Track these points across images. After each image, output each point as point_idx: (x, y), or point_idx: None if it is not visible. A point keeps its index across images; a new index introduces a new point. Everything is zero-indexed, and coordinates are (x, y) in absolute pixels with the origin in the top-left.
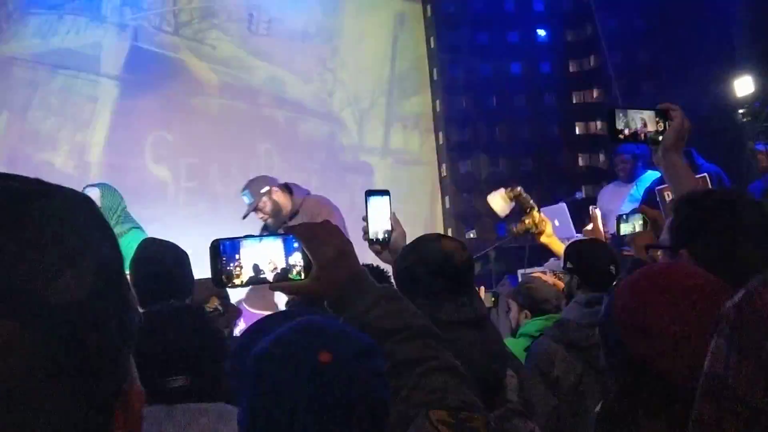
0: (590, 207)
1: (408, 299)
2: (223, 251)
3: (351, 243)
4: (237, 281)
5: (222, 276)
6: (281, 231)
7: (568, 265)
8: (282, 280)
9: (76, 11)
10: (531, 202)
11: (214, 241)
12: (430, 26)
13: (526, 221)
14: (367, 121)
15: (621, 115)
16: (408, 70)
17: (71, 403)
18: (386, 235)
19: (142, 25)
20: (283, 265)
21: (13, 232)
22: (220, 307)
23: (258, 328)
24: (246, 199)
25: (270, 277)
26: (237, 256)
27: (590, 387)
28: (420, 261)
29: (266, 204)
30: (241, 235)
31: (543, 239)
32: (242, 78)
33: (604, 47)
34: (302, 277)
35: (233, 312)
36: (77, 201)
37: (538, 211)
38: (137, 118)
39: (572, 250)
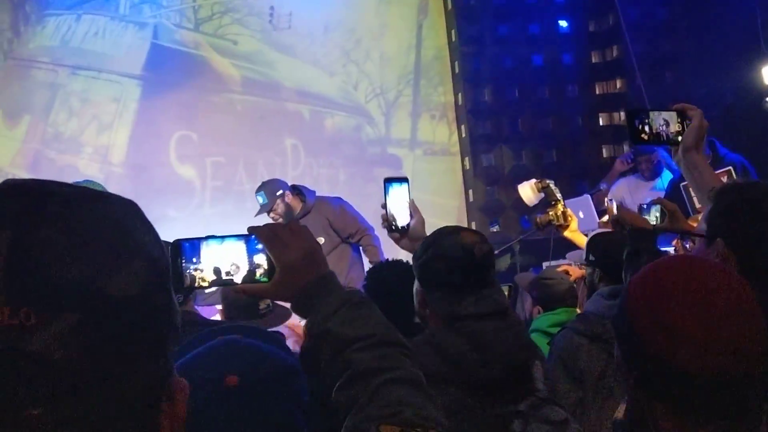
0: (606, 200)
1: (427, 292)
2: (183, 252)
3: (319, 246)
4: (199, 283)
5: (182, 278)
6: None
7: (590, 257)
8: (248, 281)
9: (94, 11)
10: (557, 195)
11: (174, 241)
12: (450, 19)
13: (550, 213)
14: (394, 112)
15: (641, 116)
16: (433, 59)
17: (125, 393)
18: (405, 223)
19: (162, 23)
20: (246, 267)
21: (75, 231)
22: (271, 305)
23: (193, 340)
24: (260, 200)
25: (236, 278)
26: (197, 258)
27: (615, 379)
28: (439, 255)
29: (279, 206)
30: (203, 236)
31: (567, 233)
32: (265, 73)
33: (626, 37)
34: (265, 279)
35: (282, 311)
36: (127, 205)
37: (564, 206)
38: (160, 118)
39: (594, 242)
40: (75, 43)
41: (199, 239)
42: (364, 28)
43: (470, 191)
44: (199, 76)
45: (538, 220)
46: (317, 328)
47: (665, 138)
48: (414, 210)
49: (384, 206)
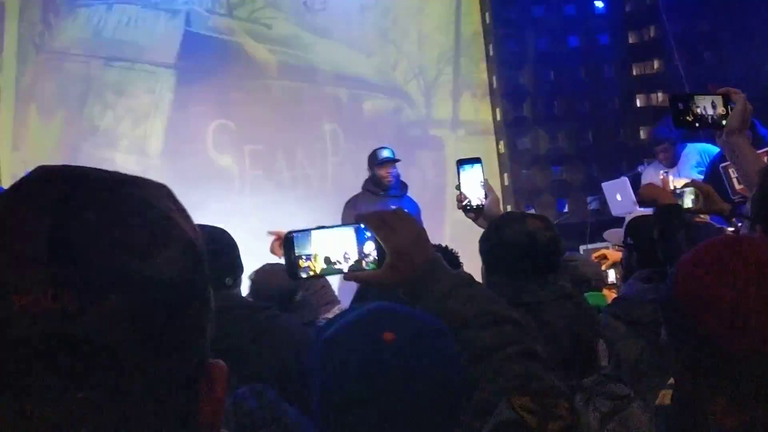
0: (661, 172)
1: (491, 281)
2: (296, 243)
3: (425, 230)
4: (311, 272)
5: (296, 267)
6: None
7: (629, 240)
8: (356, 270)
9: (125, 0)
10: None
11: (287, 234)
12: (485, 1)
13: None
14: (434, 92)
15: (684, 100)
16: (474, 35)
17: (166, 376)
18: (480, 203)
19: (194, 9)
20: (357, 255)
21: (114, 215)
22: (306, 297)
23: (331, 319)
24: (387, 153)
25: (344, 267)
26: (309, 248)
27: (651, 364)
28: (503, 242)
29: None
30: (313, 226)
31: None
32: (301, 57)
33: (663, 16)
34: (376, 266)
35: (318, 302)
36: (161, 188)
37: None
38: (196, 107)
39: (632, 225)
40: (107, 33)
41: (310, 229)
42: (401, 6)
43: (505, 174)
44: (234, 63)
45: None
46: (433, 309)
47: (709, 121)
48: (489, 190)
49: (458, 187)
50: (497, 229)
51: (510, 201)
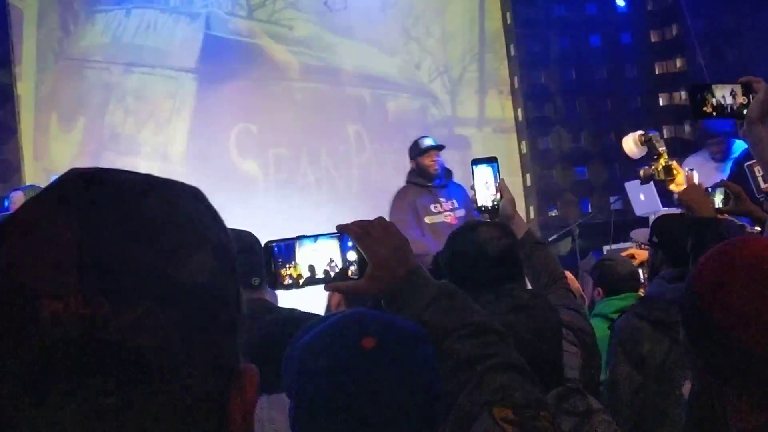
0: (686, 170)
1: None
2: (278, 253)
3: (407, 240)
4: (293, 282)
5: (277, 278)
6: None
7: (654, 239)
8: (338, 279)
9: (144, 4)
10: (661, 149)
11: (267, 243)
12: (505, 1)
13: (652, 167)
14: (459, 90)
15: (703, 91)
16: (499, 30)
17: (197, 380)
18: (495, 203)
19: (214, 12)
20: (340, 265)
21: (144, 220)
22: None
23: (311, 323)
24: (430, 142)
25: (326, 277)
26: (292, 257)
27: (677, 364)
28: (454, 252)
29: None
30: (295, 236)
31: (672, 187)
32: (323, 58)
33: (686, 14)
34: (357, 276)
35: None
36: (192, 192)
37: (668, 159)
38: (218, 111)
39: (658, 224)
40: (126, 39)
41: (293, 239)
42: (424, 4)
43: (527, 175)
44: (255, 66)
45: (642, 173)
46: (414, 320)
47: (729, 111)
48: (503, 189)
49: (473, 188)
50: (452, 238)
51: (532, 201)
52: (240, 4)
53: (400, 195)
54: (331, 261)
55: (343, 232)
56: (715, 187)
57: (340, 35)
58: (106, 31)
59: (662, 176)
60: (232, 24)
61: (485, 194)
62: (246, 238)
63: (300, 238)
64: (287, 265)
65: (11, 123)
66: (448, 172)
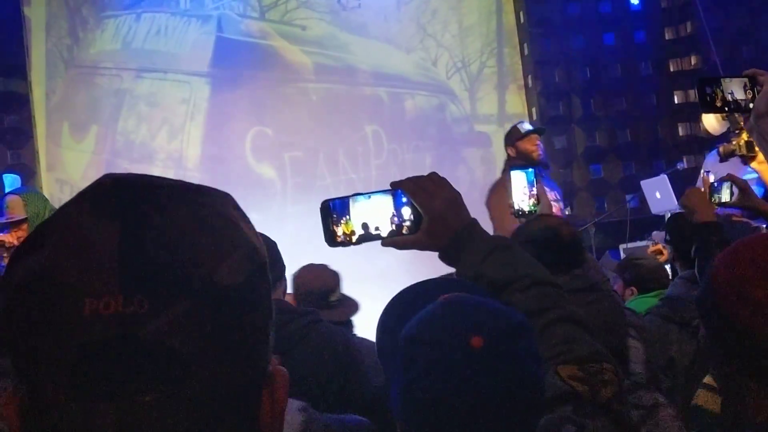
0: (702, 172)
1: (523, 251)
2: (333, 210)
3: (460, 194)
4: (350, 240)
5: (334, 235)
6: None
7: (667, 237)
8: (394, 235)
9: (154, 8)
10: (742, 124)
11: (324, 202)
12: (519, 1)
13: (733, 143)
14: (478, 86)
15: (712, 84)
16: (516, 25)
17: (231, 379)
18: (532, 208)
19: (226, 14)
20: (395, 221)
21: (181, 222)
22: (341, 297)
23: (401, 301)
24: (527, 126)
25: (382, 233)
26: (347, 215)
27: (703, 366)
28: (529, 240)
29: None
30: (349, 194)
31: (754, 165)
32: (338, 57)
33: (700, 12)
34: (413, 231)
35: (352, 305)
36: (225, 196)
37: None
38: (233, 115)
39: (672, 223)
40: (137, 44)
41: (347, 197)
42: None
43: None
44: (269, 68)
45: (721, 149)
46: (470, 272)
47: (737, 105)
48: (541, 195)
49: (509, 194)
50: (519, 229)
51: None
52: (252, 5)
53: (501, 184)
54: (385, 217)
55: (397, 188)
56: (721, 181)
57: (354, 33)
58: (115, 37)
59: (744, 151)
60: (245, 25)
61: (521, 199)
62: (264, 240)
63: (354, 195)
64: (343, 223)
65: (27, 129)
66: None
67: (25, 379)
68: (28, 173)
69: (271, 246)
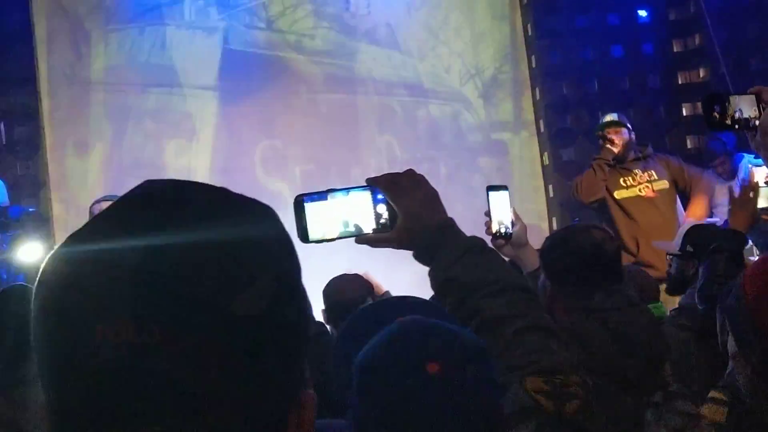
0: (747, 164)
1: (554, 290)
2: (307, 206)
3: (437, 193)
4: (324, 236)
5: (308, 231)
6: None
7: (688, 248)
8: (369, 233)
9: (157, 21)
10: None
11: (297, 197)
12: (526, 12)
13: None
14: (493, 93)
15: (717, 101)
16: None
17: (251, 409)
18: (508, 230)
19: (232, 25)
20: (371, 218)
21: (206, 246)
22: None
23: (356, 325)
24: (611, 117)
25: (357, 230)
26: (323, 211)
27: (719, 374)
28: (570, 251)
29: (623, 134)
30: (325, 189)
31: None
32: (348, 67)
33: (709, 24)
34: (389, 229)
35: None
36: (259, 212)
37: None
38: (241, 129)
39: (695, 234)
40: (141, 58)
41: (324, 192)
42: (451, 3)
43: (550, 186)
44: (278, 79)
45: None
46: (441, 274)
47: (744, 123)
48: (516, 217)
49: (488, 214)
50: (563, 239)
51: (555, 212)
52: (258, 15)
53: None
54: (362, 214)
55: (373, 185)
56: (759, 187)
57: (364, 42)
58: (119, 52)
59: None
60: (252, 36)
61: (499, 220)
62: None
63: (331, 191)
64: (318, 219)
65: (37, 141)
66: (644, 147)
67: (45, 392)
68: (38, 185)
69: None
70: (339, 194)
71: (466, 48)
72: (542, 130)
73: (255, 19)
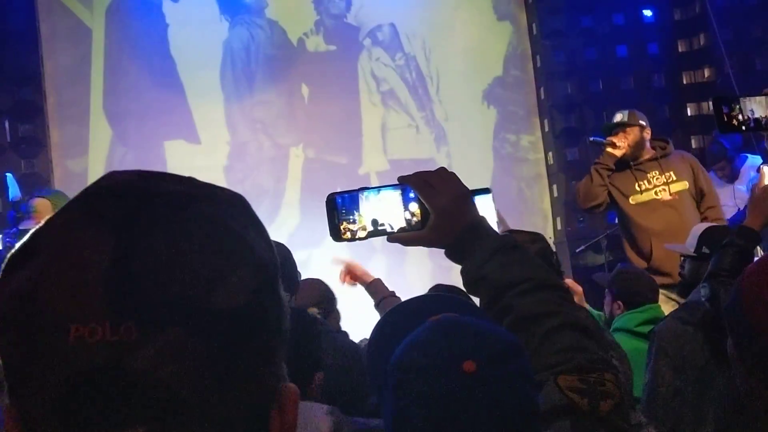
0: (761, 165)
1: (529, 251)
2: (341, 205)
3: (469, 191)
4: (356, 235)
5: (340, 230)
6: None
7: (704, 249)
8: (401, 231)
9: (160, 20)
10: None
11: (330, 195)
12: (531, 12)
13: None
14: (498, 92)
15: (728, 103)
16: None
17: (232, 405)
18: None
19: (234, 25)
20: (403, 216)
21: (181, 239)
22: (318, 315)
23: (390, 323)
24: (620, 117)
25: (389, 229)
26: (355, 210)
27: (718, 368)
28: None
29: (634, 132)
30: (357, 188)
31: None
32: (351, 66)
33: (714, 24)
34: (420, 227)
35: (334, 320)
36: (234, 202)
37: None
38: (242, 129)
39: (712, 235)
40: (144, 57)
41: (356, 191)
42: (455, 2)
43: (554, 186)
44: (280, 78)
45: None
46: (473, 273)
47: (757, 123)
48: (501, 220)
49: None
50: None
51: (559, 212)
52: (260, 14)
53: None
54: (394, 212)
55: (405, 184)
56: None
57: (367, 41)
58: (121, 51)
59: None
60: (253, 36)
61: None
62: (278, 249)
63: (363, 189)
64: (350, 218)
65: (41, 139)
66: (663, 144)
67: (16, 402)
68: (42, 183)
69: (286, 259)
70: (370, 193)
71: (470, 48)
72: (546, 129)
73: (257, 19)
